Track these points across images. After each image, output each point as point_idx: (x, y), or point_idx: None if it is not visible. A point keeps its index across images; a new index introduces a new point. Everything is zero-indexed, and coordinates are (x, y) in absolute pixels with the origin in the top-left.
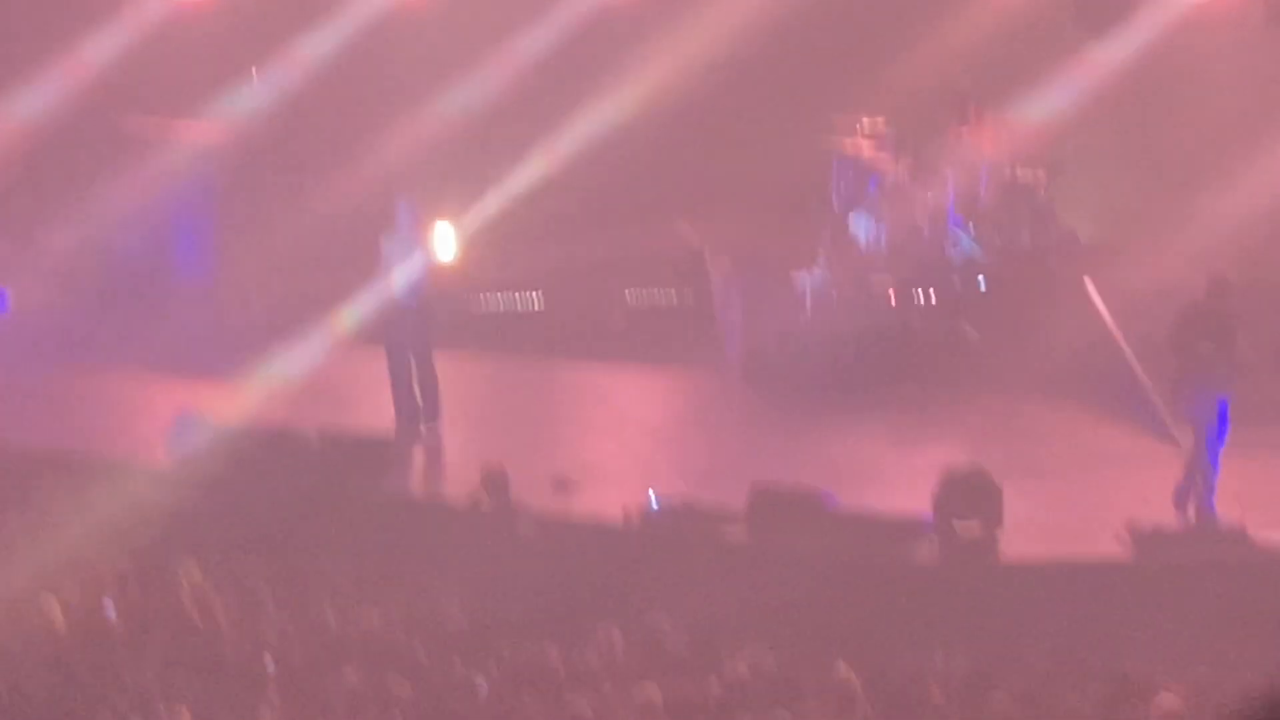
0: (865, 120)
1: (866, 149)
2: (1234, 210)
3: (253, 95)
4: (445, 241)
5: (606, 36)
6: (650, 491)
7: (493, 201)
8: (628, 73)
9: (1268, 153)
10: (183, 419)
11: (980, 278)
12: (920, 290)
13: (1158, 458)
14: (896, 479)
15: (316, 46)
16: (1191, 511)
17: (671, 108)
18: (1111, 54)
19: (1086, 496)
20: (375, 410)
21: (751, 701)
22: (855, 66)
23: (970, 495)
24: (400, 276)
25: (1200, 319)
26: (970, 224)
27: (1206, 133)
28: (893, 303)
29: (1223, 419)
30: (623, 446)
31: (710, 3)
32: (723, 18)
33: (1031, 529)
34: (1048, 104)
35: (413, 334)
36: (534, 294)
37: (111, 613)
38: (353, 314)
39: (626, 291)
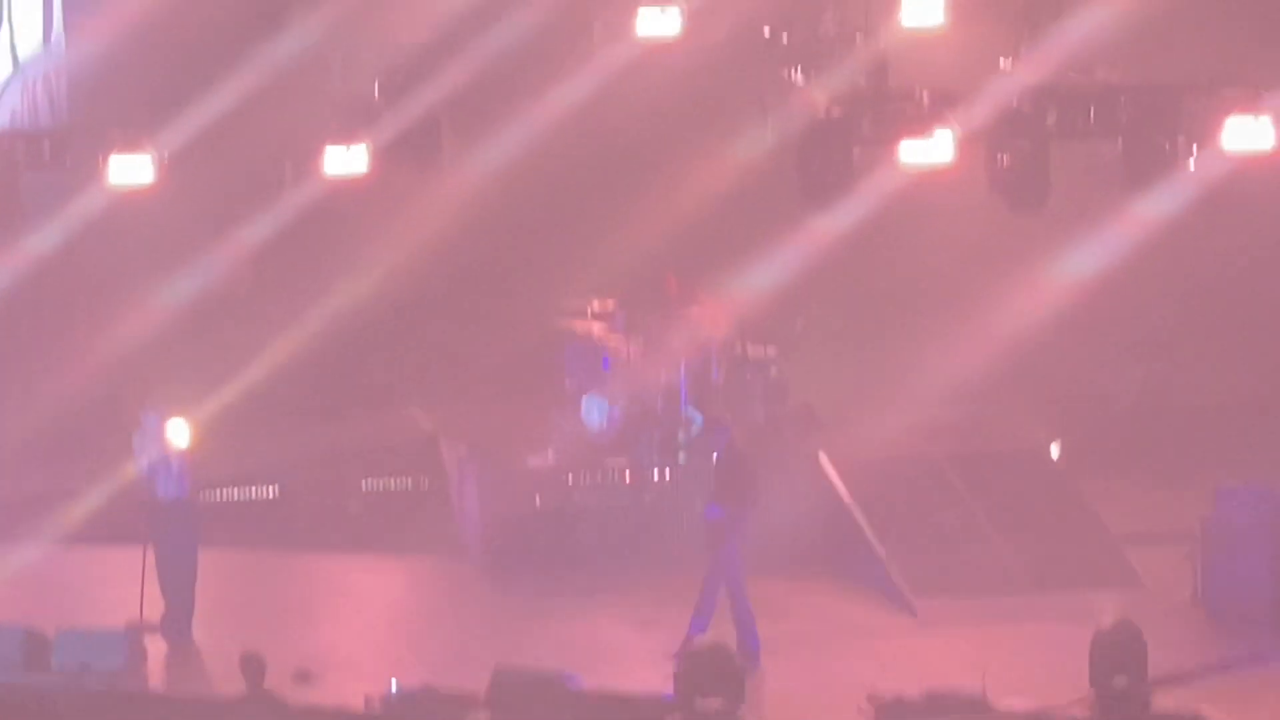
0: (596, 302)
1: (598, 330)
2: (958, 377)
3: None
4: (181, 437)
5: (333, 223)
6: (392, 679)
7: (225, 394)
8: (357, 260)
9: (991, 320)
10: None
11: (715, 455)
12: (655, 470)
13: (896, 628)
14: (638, 658)
15: (42, 241)
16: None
17: (400, 295)
18: (836, 224)
19: (827, 670)
20: (110, 606)
21: None
22: (583, 249)
23: (712, 673)
24: (159, 481)
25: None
26: (702, 402)
27: (932, 300)
28: (628, 483)
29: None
30: (363, 635)
31: (437, 187)
32: (448, 203)
33: (773, 705)
34: (777, 279)
35: (178, 537)
36: (269, 485)
37: None
38: (84, 509)
39: (362, 480)
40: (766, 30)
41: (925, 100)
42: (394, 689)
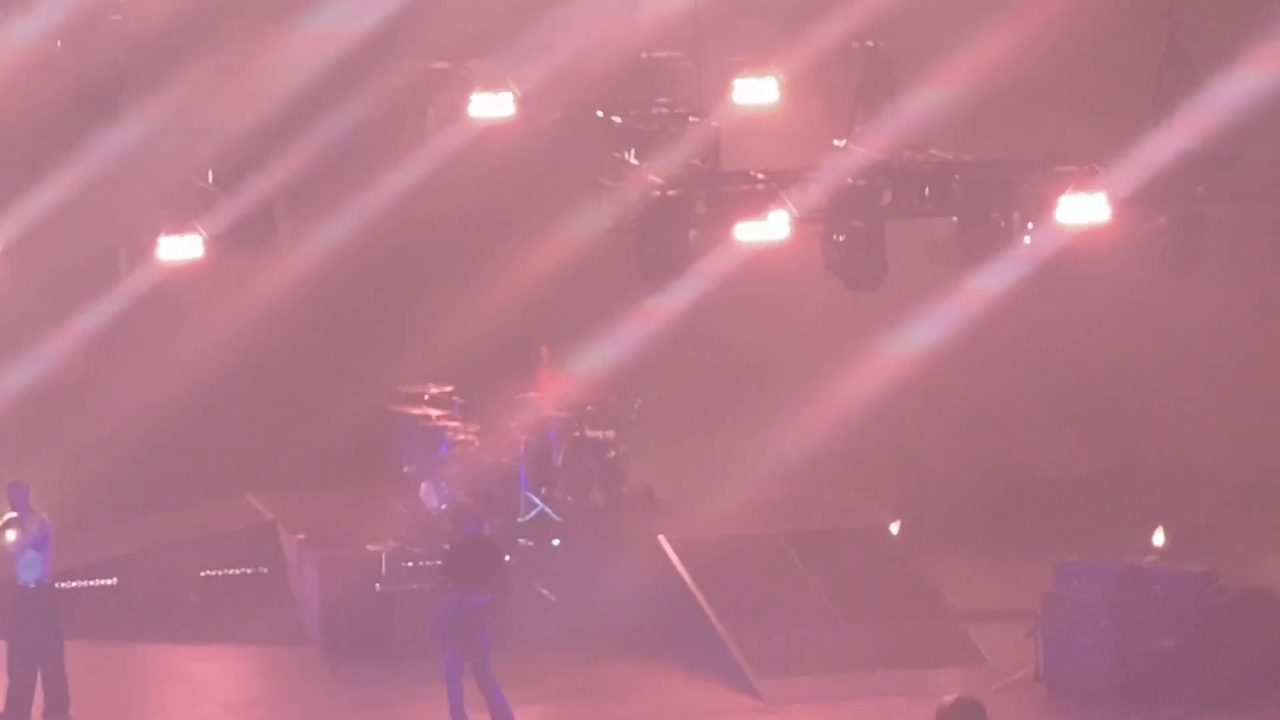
0: (433, 388)
1: (435, 416)
2: (797, 455)
3: None
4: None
5: (168, 310)
6: None
7: (60, 484)
8: (191, 346)
9: (829, 398)
10: None
11: (555, 538)
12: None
13: (741, 709)
14: None
15: None
16: None
17: (235, 381)
18: (674, 304)
19: None
20: None
21: None
22: (420, 332)
23: None
24: (23, 564)
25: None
26: (542, 485)
27: (771, 379)
28: None
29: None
30: None
31: (271, 273)
32: (283, 288)
33: None
34: (615, 361)
35: (41, 622)
36: (107, 575)
37: None
38: None
39: (201, 569)
40: (600, 112)
41: (760, 180)
42: None
